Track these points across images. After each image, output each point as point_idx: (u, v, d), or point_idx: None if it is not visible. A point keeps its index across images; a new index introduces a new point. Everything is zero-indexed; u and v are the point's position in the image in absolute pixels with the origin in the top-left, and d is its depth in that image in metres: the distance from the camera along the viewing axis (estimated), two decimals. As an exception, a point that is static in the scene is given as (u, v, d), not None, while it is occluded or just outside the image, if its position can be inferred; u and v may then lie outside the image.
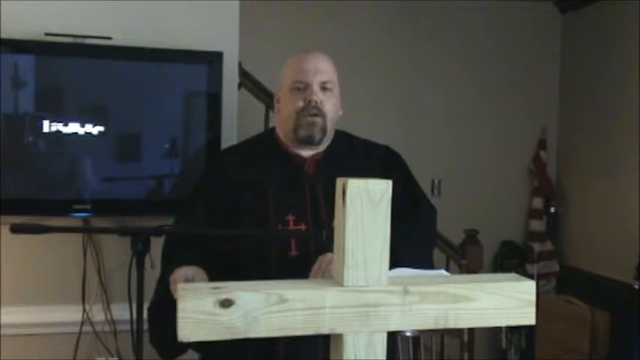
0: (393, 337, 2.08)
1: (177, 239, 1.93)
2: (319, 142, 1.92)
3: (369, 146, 2.06)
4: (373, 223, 0.90)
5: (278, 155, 1.96)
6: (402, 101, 4.49)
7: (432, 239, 2.12)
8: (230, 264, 1.82)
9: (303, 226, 1.87)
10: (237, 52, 2.73)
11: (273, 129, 2.04)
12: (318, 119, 1.88)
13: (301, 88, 1.88)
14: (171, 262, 1.85)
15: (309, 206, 1.90)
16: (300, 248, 1.85)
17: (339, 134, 2.01)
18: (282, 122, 1.96)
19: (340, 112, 1.97)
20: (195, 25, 2.66)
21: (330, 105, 1.90)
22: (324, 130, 1.90)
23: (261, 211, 1.87)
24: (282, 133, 1.97)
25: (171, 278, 1.71)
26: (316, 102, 1.87)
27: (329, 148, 1.97)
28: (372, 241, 0.90)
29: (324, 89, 1.89)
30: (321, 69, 1.89)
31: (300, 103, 1.88)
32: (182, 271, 1.71)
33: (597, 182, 4.42)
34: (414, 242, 1.87)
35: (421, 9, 4.46)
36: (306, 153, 1.94)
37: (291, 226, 1.87)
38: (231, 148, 2.18)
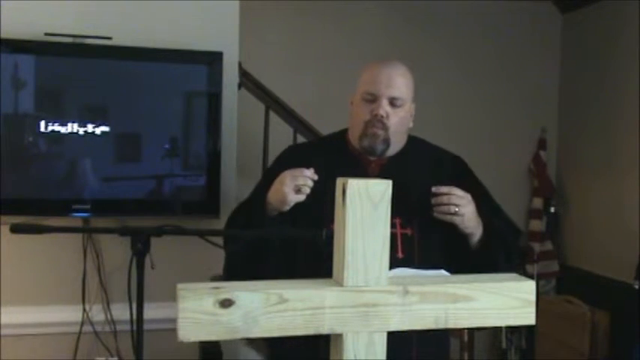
0: (445, 335, 2.02)
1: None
2: (382, 154, 1.93)
3: (439, 154, 2.07)
4: (373, 223, 0.91)
5: (345, 155, 1.99)
6: (402, 101, 4.49)
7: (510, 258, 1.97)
8: (286, 262, 1.87)
9: None
10: (237, 52, 2.74)
11: (346, 130, 2.06)
12: (381, 132, 1.89)
13: (370, 99, 1.90)
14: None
15: None
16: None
17: (412, 140, 2.02)
18: (351, 127, 2.00)
19: (411, 125, 1.98)
20: (195, 25, 2.66)
21: (397, 118, 1.91)
22: (386, 143, 1.91)
23: (316, 209, 1.87)
24: (352, 136, 1.99)
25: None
26: (382, 116, 1.88)
27: (397, 153, 1.97)
28: (372, 241, 0.91)
29: (393, 105, 1.90)
30: (394, 84, 1.89)
31: (367, 116, 1.90)
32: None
33: (597, 182, 4.41)
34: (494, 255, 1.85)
35: (421, 9, 4.45)
36: (373, 157, 1.96)
37: None
38: (303, 143, 2.26)
